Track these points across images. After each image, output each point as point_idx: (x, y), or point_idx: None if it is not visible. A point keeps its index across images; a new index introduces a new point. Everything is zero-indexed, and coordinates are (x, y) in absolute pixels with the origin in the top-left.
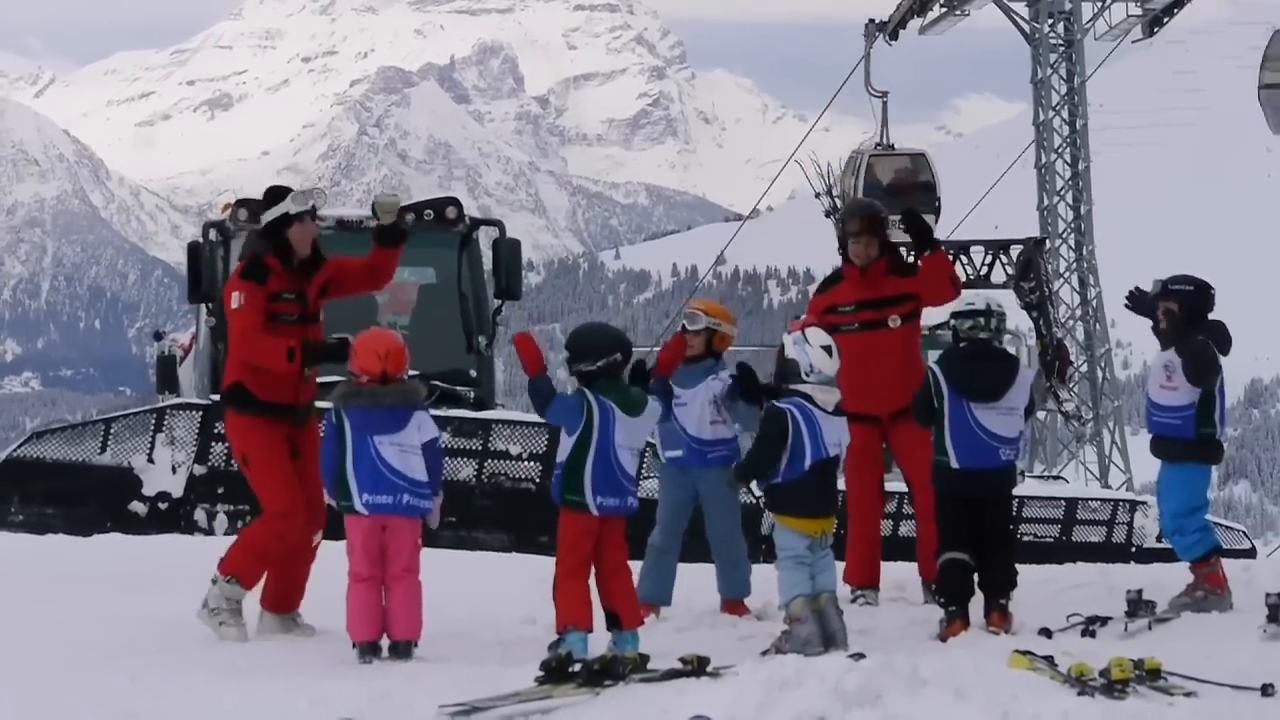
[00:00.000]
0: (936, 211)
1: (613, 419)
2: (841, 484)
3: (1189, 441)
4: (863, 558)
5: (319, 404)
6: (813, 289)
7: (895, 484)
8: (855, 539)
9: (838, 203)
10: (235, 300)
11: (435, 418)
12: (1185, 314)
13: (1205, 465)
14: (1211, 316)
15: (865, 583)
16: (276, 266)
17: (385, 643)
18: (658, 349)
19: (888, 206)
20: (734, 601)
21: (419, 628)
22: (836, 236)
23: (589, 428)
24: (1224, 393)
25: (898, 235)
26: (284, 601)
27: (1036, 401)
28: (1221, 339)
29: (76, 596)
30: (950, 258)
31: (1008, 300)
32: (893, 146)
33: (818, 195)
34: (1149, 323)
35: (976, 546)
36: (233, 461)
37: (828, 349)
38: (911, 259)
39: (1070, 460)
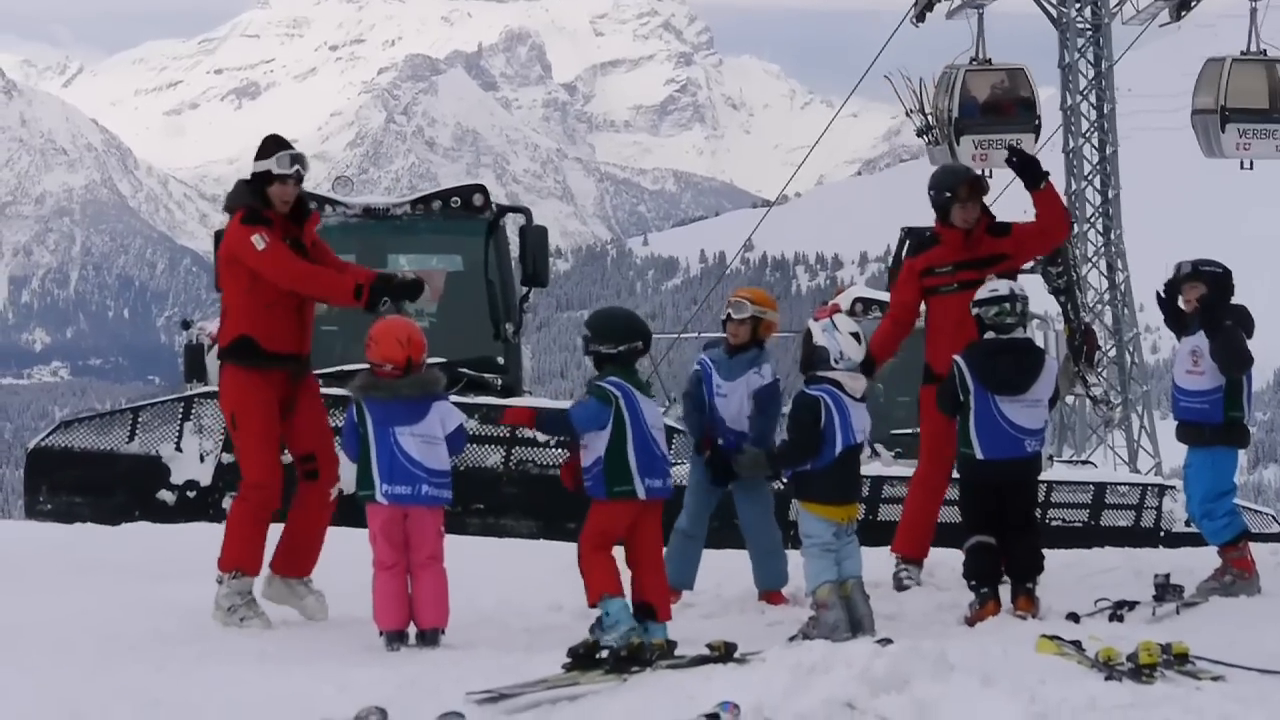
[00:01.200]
0: (1036, 130)
1: (638, 401)
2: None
3: (1216, 426)
4: (916, 529)
5: (333, 391)
6: (843, 274)
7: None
8: (913, 509)
9: (930, 120)
10: (259, 242)
11: (462, 405)
12: (1213, 296)
13: (1232, 449)
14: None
15: (911, 555)
16: (275, 218)
17: (413, 630)
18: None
19: (984, 125)
20: (772, 592)
21: (446, 615)
22: (931, 201)
23: (620, 416)
24: (1251, 376)
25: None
26: (293, 565)
27: (1063, 388)
28: (1246, 323)
29: (104, 585)
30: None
31: (1035, 285)
32: (989, 61)
33: (909, 113)
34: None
35: (1001, 531)
36: None
37: (856, 335)
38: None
39: (1099, 445)
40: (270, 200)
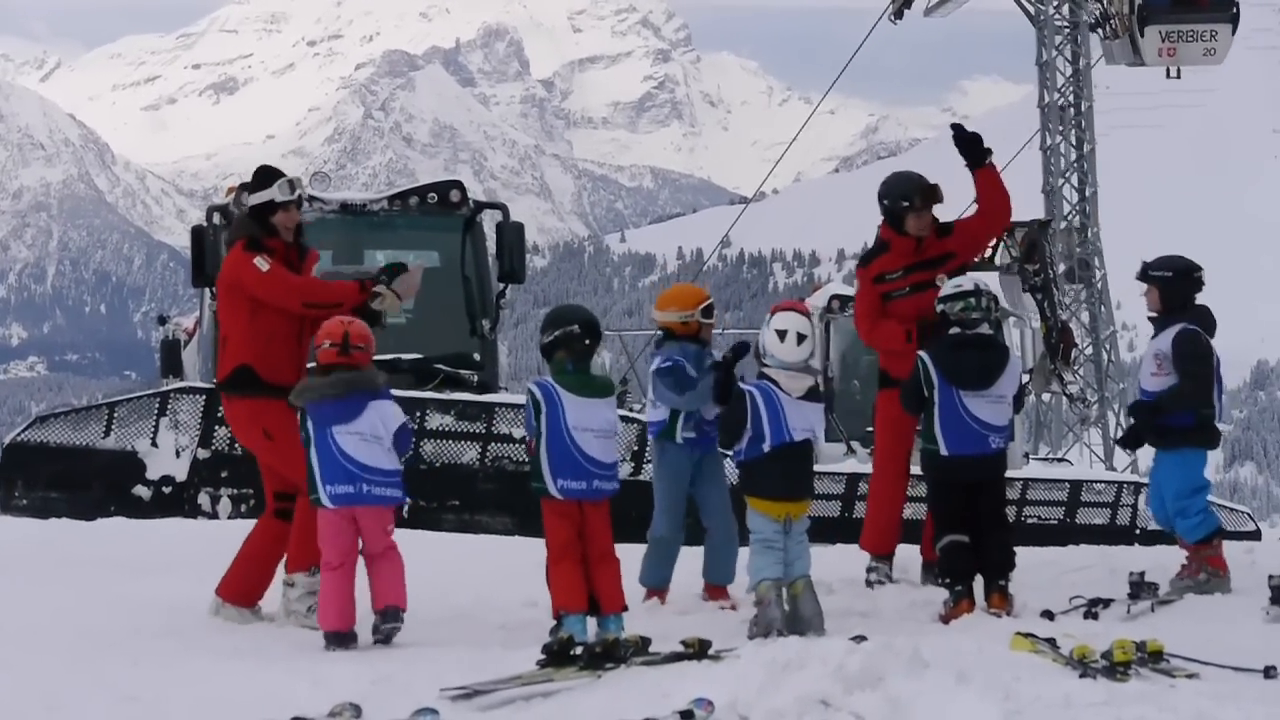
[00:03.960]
0: (1233, 20)
1: (559, 401)
2: (848, 466)
3: (1187, 427)
4: (882, 526)
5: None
6: (820, 271)
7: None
8: (876, 507)
9: (1107, 7)
10: (262, 264)
11: (438, 401)
12: (1165, 300)
13: (1202, 450)
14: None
15: (880, 551)
16: (279, 248)
17: (365, 625)
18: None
19: (1174, 13)
20: (716, 586)
21: (404, 595)
22: (884, 208)
23: (538, 414)
24: (1220, 375)
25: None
26: (247, 596)
27: (1039, 386)
28: (1207, 324)
29: (80, 581)
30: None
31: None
32: None
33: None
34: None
35: (972, 529)
36: (236, 445)
37: (781, 334)
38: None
39: (1075, 443)
40: (275, 229)
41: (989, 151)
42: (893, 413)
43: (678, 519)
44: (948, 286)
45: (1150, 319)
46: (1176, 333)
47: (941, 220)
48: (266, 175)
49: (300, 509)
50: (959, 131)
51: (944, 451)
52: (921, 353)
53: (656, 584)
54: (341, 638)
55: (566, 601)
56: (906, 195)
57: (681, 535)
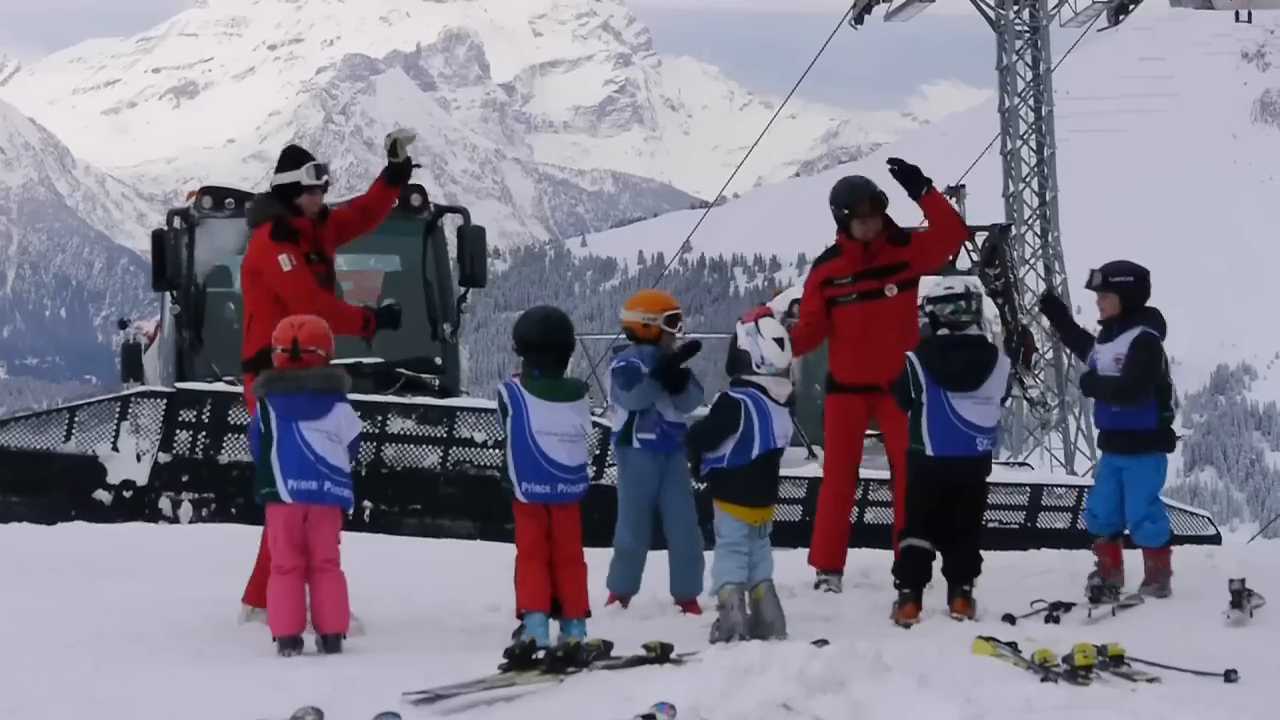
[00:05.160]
0: None
1: (524, 405)
2: (810, 470)
3: (1152, 431)
4: (830, 541)
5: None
6: (781, 275)
7: (864, 471)
8: (824, 521)
9: None
10: (285, 263)
11: (400, 405)
12: (1126, 304)
13: (1165, 455)
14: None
15: (830, 567)
16: (305, 227)
17: (309, 637)
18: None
19: None
20: (688, 600)
21: (347, 620)
22: (833, 213)
23: (505, 417)
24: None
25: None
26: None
27: (1010, 390)
28: (1161, 328)
29: (41, 585)
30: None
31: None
32: None
33: None
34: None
35: (943, 532)
36: (198, 450)
37: (780, 341)
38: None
39: (1036, 447)
40: (300, 209)
41: (928, 181)
42: (840, 417)
43: (642, 527)
44: (939, 288)
45: (1100, 324)
46: (1138, 336)
47: (900, 227)
48: (296, 156)
49: None
50: (897, 165)
51: (930, 452)
52: (910, 353)
53: (621, 590)
54: (294, 641)
55: (529, 601)
56: (849, 203)
57: (646, 543)
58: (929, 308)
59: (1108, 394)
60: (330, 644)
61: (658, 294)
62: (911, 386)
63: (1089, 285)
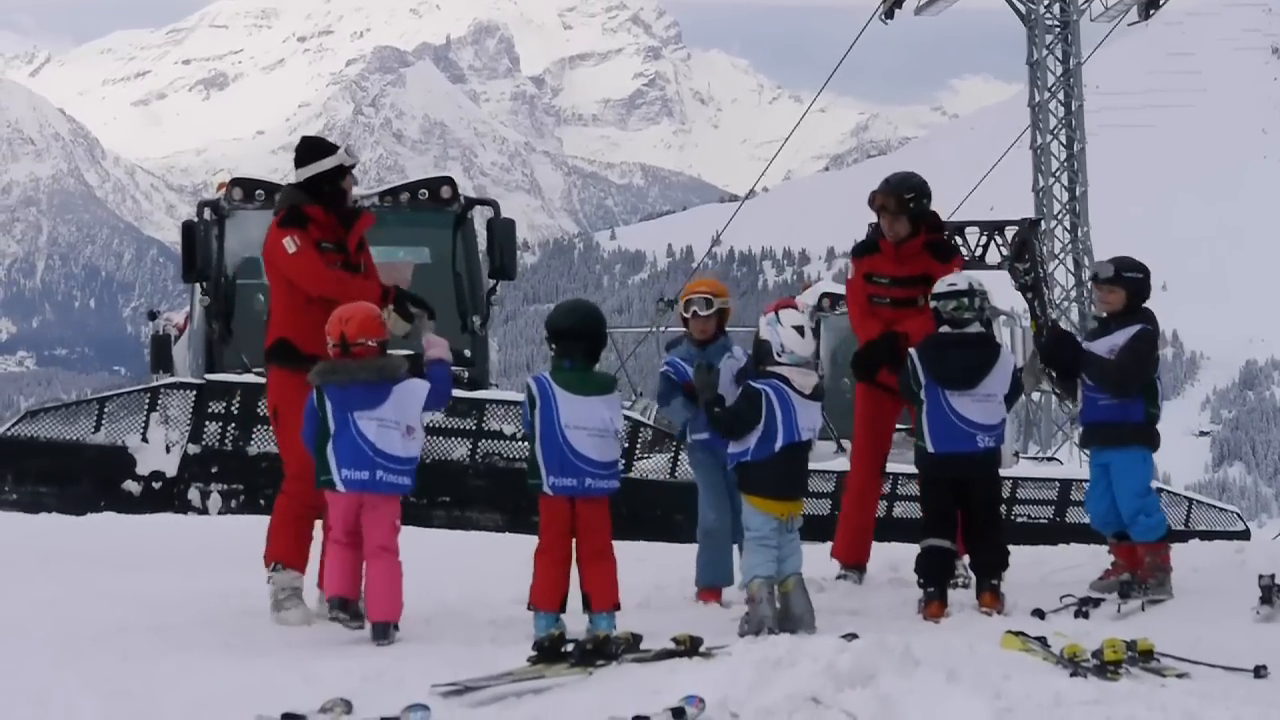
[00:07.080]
0: None
1: (553, 398)
2: (838, 464)
3: (1137, 425)
4: (854, 536)
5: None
6: (810, 269)
7: (891, 465)
8: (848, 515)
9: None
10: (290, 245)
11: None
12: (1132, 300)
13: (1150, 450)
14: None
15: (853, 561)
16: (319, 215)
17: (363, 608)
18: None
19: None
20: (709, 590)
21: (399, 609)
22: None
23: (533, 411)
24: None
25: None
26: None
27: (1029, 385)
28: (1156, 326)
29: (69, 576)
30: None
31: (1003, 281)
32: None
33: None
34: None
35: (964, 529)
36: (227, 441)
37: (799, 329)
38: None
39: (1064, 442)
40: (321, 197)
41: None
42: (870, 410)
43: (722, 504)
44: (941, 284)
45: (1099, 319)
46: (1139, 330)
47: (944, 242)
48: (319, 146)
49: (279, 505)
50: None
51: (930, 449)
52: (911, 350)
53: (710, 582)
54: (342, 603)
55: (538, 600)
56: (874, 196)
57: (729, 524)
58: (933, 304)
59: (1101, 375)
60: (379, 632)
61: (699, 279)
62: (913, 383)
63: (1097, 278)
